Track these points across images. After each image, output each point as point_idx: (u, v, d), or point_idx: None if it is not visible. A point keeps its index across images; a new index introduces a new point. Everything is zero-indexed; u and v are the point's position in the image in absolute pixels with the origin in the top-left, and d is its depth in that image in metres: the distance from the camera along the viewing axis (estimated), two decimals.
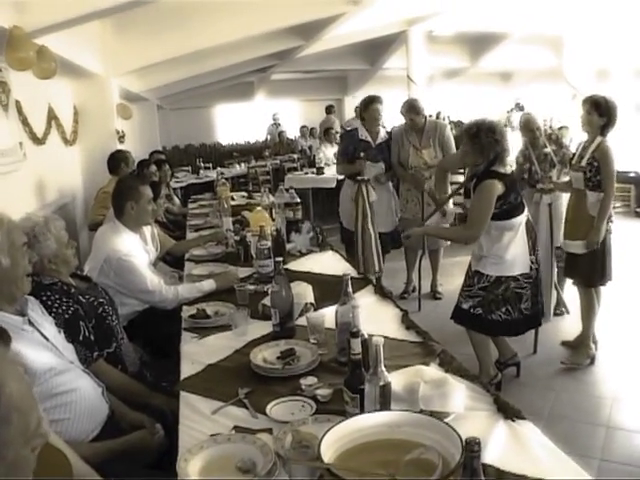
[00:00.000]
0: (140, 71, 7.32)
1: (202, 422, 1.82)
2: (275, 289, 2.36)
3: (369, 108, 4.91)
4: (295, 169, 9.73)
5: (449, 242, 5.19)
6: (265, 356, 2.18)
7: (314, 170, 8.50)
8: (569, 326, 4.39)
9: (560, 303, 4.73)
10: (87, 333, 2.29)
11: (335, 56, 12.47)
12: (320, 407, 1.82)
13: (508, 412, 1.70)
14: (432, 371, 1.85)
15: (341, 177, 5.47)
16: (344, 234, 5.18)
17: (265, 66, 11.52)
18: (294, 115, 16.25)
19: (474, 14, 9.46)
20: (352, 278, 3.05)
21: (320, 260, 3.57)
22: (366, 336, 1.84)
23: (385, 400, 1.57)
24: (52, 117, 4.99)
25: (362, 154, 4.75)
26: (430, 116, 6.29)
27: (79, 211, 5.51)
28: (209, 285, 3.05)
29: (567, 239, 3.92)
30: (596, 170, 3.70)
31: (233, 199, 5.93)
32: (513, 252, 3.32)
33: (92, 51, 5.57)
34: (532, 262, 3.38)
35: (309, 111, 15.68)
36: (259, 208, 3.52)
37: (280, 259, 2.44)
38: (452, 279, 5.22)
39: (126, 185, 3.29)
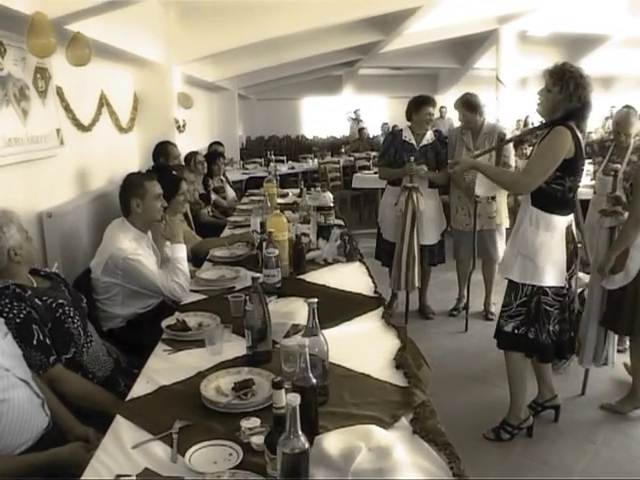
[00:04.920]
0: (212, 60, 7.30)
1: (117, 457, 1.60)
2: (249, 308, 2.12)
3: (421, 110, 4.54)
4: (367, 168, 9.41)
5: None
6: (220, 385, 1.93)
7: None
8: None
9: (623, 339, 4.20)
10: (42, 337, 2.14)
11: (424, 53, 12.14)
12: (249, 458, 1.55)
13: None
14: (382, 435, 1.53)
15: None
16: (383, 246, 4.86)
17: (350, 60, 11.33)
18: (381, 112, 15.95)
19: (571, 14, 8.83)
20: (365, 297, 2.88)
21: (342, 272, 3.29)
22: (313, 382, 1.57)
23: (298, 470, 1.29)
24: (103, 104, 4.95)
25: (412, 158, 4.40)
26: (496, 120, 5.84)
27: None
28: (176, 250, 3.11)
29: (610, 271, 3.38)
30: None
31: (286, 195, 5.75)
32: (545, 258, 2.90)
33: (154, 39, 5.52)
34: (566, 280, 2.96)
35: (397, 108, 15.31)
36: (277, 211, 3.27)
37: (257, 275, 2.18)
38: None
39: (131, 182, 3.14)
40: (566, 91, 2.81)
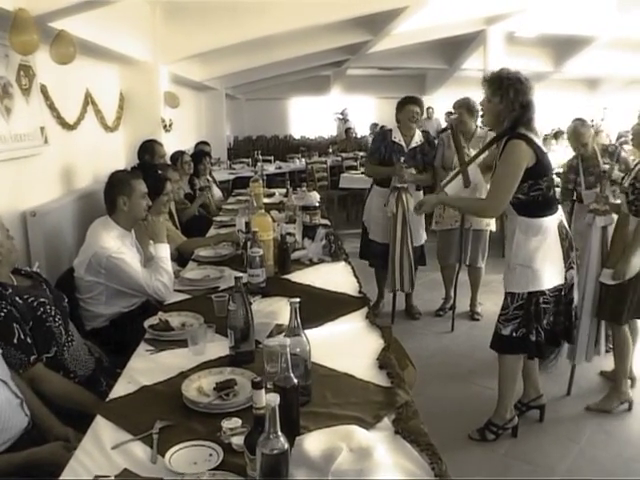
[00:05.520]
0: (200, 59, 7.28)
1: (96, 458, 1.58)
2: (232, 308, 2.10)
3: (404, 109, 4.60)
4: (354, 168, 9.41)
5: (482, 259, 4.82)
6: (202, 385, 1.92)
7: None
8: None
9: (608, 337, 4.22)
10: (22, 336, 2.11)
11: (412, 54, 12.18)
12: (229, 459, 1.54)
13: None
14: (364, 436, 1.52)
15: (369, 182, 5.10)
16: (371, 247, 4.87)
17: (338, 60, 11.34)
18: (369, 112, 15.96)
19: (558, 15, 8.89)
20: (350, 297, 2.87)
21: (327, 272, 3.28)
22: (294, 382, 1.56)
23: (277, 471, 1.28)
24: (89, 102, 4.91)
25: (402, 159, 4.42)
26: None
27: None
28: (159, 249, 3.09)
29: (604, 266, 3.41)
30: (639, 192, 3.21)
31: (272, 195, 5.74)
32: (541, 261, 2.88)
33: (140, 37, 5.49)
34: (566, 278, 2.95)
35: (385, 109, 15.32)
36: (262, 211, 3.26)
37: (240, 275, 2.17)
38: (496, 298, 4.75)
39: (117, 179, 3.11)
40: (506, 100, 2.79)
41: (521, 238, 2.92)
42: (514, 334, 3.01)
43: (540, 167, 2.83)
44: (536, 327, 2.97)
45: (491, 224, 4.80)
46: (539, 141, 2.89)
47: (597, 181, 4.13)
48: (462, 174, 3.81)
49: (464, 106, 4.60)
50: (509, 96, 2.78)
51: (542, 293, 2.94)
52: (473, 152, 4.43)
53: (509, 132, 2.84)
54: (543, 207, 2.90)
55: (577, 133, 4.37)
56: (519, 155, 2.78)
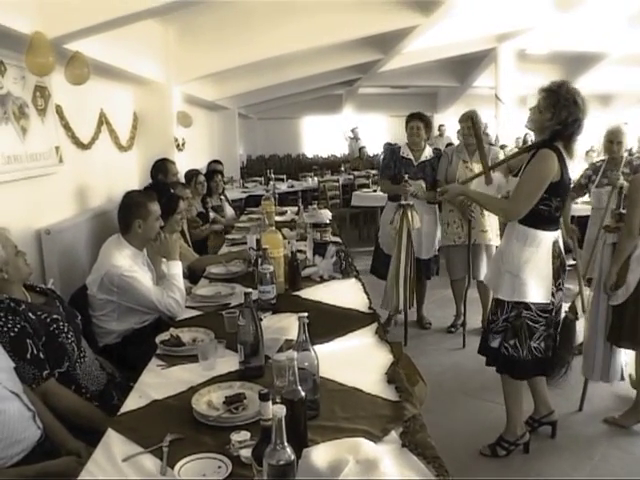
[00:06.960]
0: (212, 79, 7.38)
1: (107, 471, 1.60)
2: (242, 323, 2.13)
3: (407, 125, 4.80)
4: (367, 186, 9.45)
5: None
6: (212, 399, 1.94)
7: None
8: None
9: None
10: (35, 351, 2.15)
11: (424, 72, 12.24)
12: (238, 471, 1.55)
13: None
14: (371, 448, 1.53)
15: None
16: (382, 259, 4.88)
17: (350, 79, 11.42)
18: (382, 130, 16.02)
19: (569, 32, 8.92)
20: (360, 313, 2.89)
21: (338, 289, 3.30)
22: (302, 395, 1.58)
23: None
24: (103, 122, 5.00)
25: (406, 176, 4.48)
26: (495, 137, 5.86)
27: None
28: (172, 267, 3.10)
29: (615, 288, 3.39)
30: None
31: (284, 213, 5.79)
32: (530, 273, 2.87)
33: (153, 58, 5.58)
34: (553, 295, 2.91)
35: (397, 127, 15.39)
36: (272, 228, 3.29)
37: (249, 290, 2.19)
38: None
39: (134, 202, 3.14)
40: (557, 118, 2.78)
41: (515, 246, 2.92)
42: (501, 348, 3.01)
43: (560, 186, 2.83)
44: (515, 341, 2.94)
45: (495, 240, 4.77)
46: (570, 163, 2.88)
47: (609, 184, 4.15)
48: (485, 176, 3.78)
49: (470, 118, 4.61)
50: (560, 116, 2.76)
51: (526, 307, 2.91)
52: (477, 166, 4.46)
53: (547, 142, 2.84)
54: (545, 221, 2.88)
55: (619, 130, 4.36)
56: (549, 165, 2.77)
